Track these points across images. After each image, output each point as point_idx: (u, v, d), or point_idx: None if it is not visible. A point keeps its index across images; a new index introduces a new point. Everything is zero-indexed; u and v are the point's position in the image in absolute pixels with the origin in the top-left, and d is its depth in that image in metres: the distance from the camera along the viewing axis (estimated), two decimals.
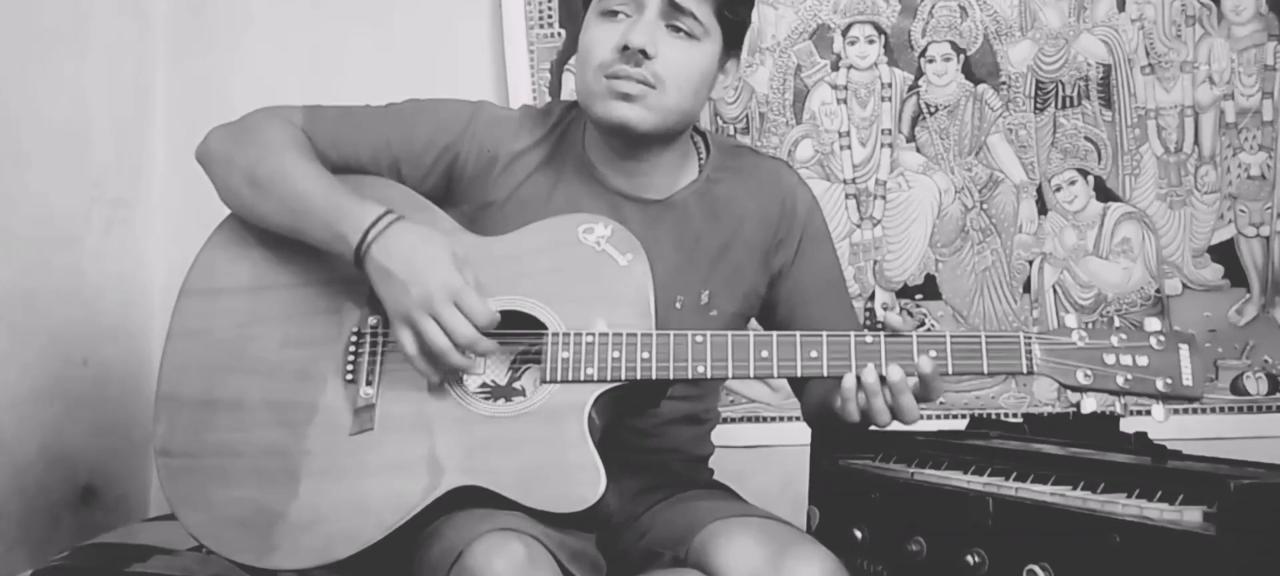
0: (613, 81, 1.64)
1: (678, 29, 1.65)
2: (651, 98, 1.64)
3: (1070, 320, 1.55)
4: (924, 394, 1.54)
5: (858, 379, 1.53)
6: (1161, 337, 1.52)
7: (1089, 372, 1.52)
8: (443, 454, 1.56)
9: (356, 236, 1.57)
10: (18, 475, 2.21)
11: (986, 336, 1.54)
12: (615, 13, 1.66)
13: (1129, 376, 1.51)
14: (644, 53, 1.62)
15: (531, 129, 1.76)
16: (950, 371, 1.54)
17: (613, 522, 1.61)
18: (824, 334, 1.56)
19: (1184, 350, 1.51)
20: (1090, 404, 1.54)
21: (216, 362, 1.65)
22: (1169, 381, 1.51)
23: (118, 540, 2.08)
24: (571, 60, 2.54)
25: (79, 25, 2.43)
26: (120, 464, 2.47)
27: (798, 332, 1.57)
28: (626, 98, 1.64)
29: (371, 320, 1.63)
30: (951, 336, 1.54)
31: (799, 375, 1.57)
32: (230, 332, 1.66)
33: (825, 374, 1.56)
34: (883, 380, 1.52)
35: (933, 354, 1.52)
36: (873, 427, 1.62)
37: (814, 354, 1.56)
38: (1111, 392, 1.53)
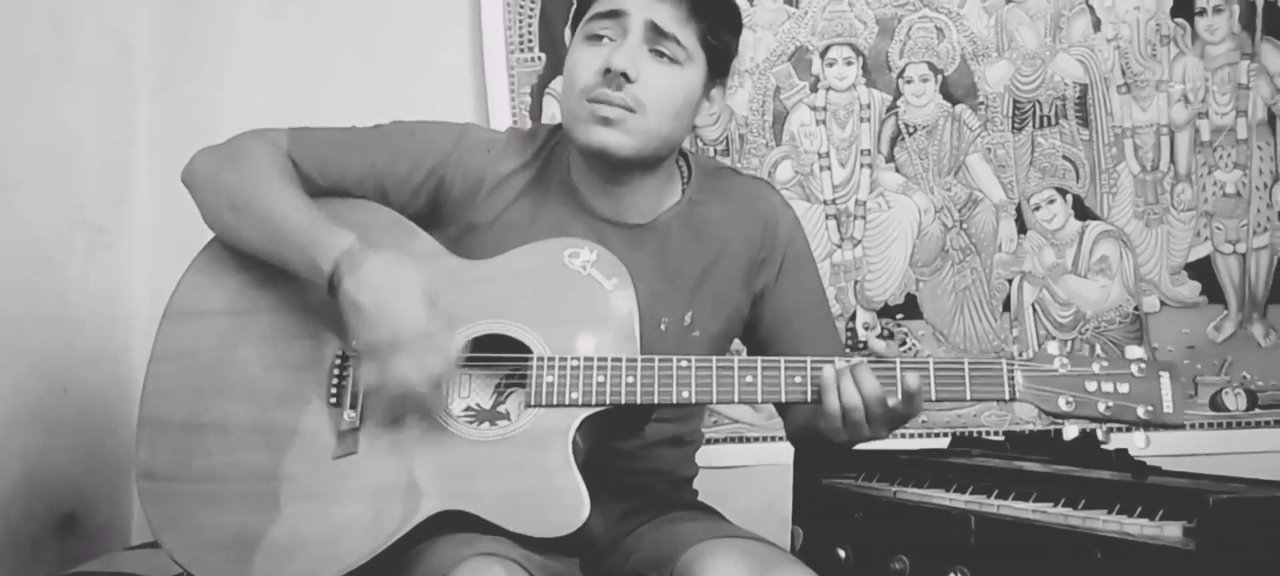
0: (594, 105, 1.64)
1: (661, 54, 1.65)
2: (632, 122, 1.65)
3: (1052, 347, 1.56)
4: (906, 410, 1.55)
5: (839, 400, 1.54)
6: (1143, 365, 1.54)
7: (1071, 399, 1.54)
8: (426, 478, 1.55)
9: (328, 266, 1.56)
10: None
11: (970, 364, 1.55)
12: (599, 37, 1.66)
13: (1110, 404, 1.53)
14: (625, 76, 1.63)
15: (518, 152, 1.76)
16: (933, 398, 1.55)
17: (597, 546, 1.62)
18: (808, 360, 1.57)
19: (1165, 377, 1.53)
20: (1072, 431, 1.56)
21: (200, 385, 1.64)
22: (1150, 409, 1.52)
23: (99, 569, 2.07)
24: (552, 83, 2.56)
25: (62, 51, 2.42)
26: (102, 491, 2.46)
27: (782, 359, 1.58)
28: (606, 122, 1.64)
29: (355, 342, 1.63)
30: (935, 364, 1.55)
31: (783, 400, 1.58)
32: (214, 355, 1.65)
33: (809, 399, 1.57)
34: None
35: (919, 376, 1.54)
36: (858, 445, 1.64)
37: (798, 379, 1.57)
38: (1093, 420, 1.54)
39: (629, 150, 1.66)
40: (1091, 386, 1.53)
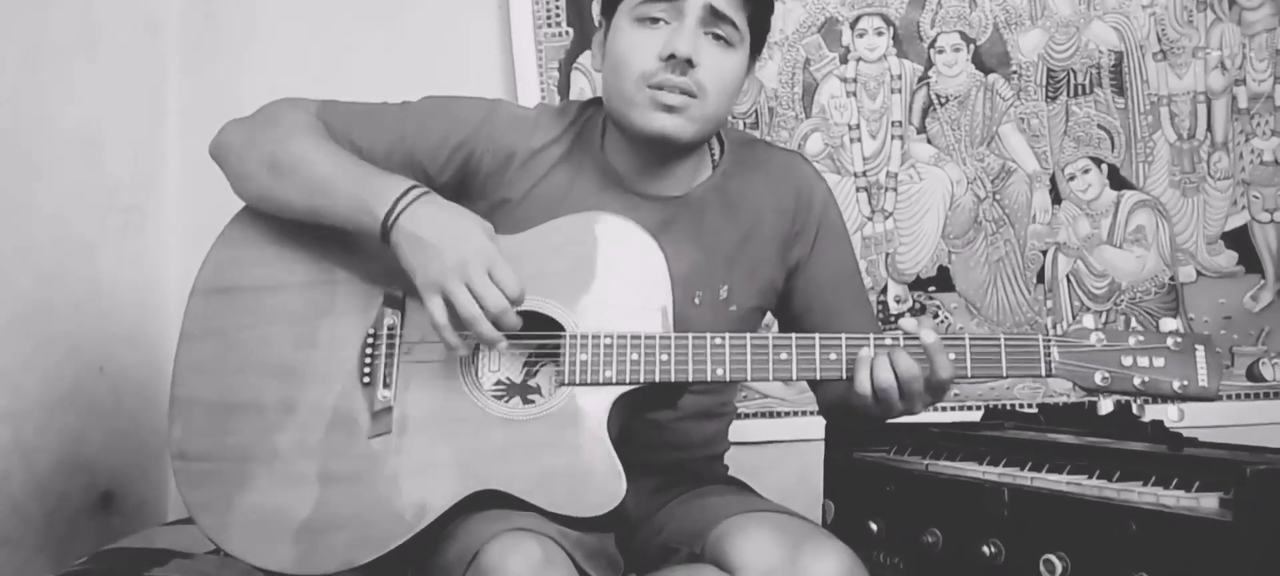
0: (656, 92, 1.63)
1: (717, 36, 1.65)
2: (694, 108, 1.64)
3: (1088, 320, 1.56)
4: (934, 385, 1.55)
5: (871, 379, 1.54)
6: (1178, 338, 1.53)
7: (1107, 375, 1.54)
8: (462, 458, 1.56)
9: (385, 208, 1.56)
10: (37, 482, 2.22)
11: (1006, 340, 1.55)
12: (655, 20, 1.65)
13: (1146, 378, 1.53)
14: (689, 61, 1.62)
15: (549, 127, 1.76)
16: (970, 375, 1.55)
17: (630, 520, 1.62)
18: (842, 336, 1.57)
19: (1200, 351, 1.53)
20: (1107, 405, 1.55)
21: (231, 364, 1.64)
22: (1185, 383, 1.52)
23: (137, 545, 2.09)
24: (580, 58, 2.55)
25: (90, 35, 2.44)
26: (138, 469, 2.49)
27: (816, 336, 1.57)
28: (670, 109, 1.63)
29: (388, 321, 1.63)
30: (971, 339, 1.55)
31: (818, 377, 1.57)
32: (244, 333, 1.65)
33: (843, 376, 1.56)
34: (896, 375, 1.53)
35: (953, 362, 1.53)
36: (891, 419, 1.63)
37: (833, 356, 1.56)
38: (1128, 394, 1.54)
39: (689, 135, 1.66)
40: (1127, 360, 1.53)
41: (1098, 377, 1.54)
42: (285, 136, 1.66)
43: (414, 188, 1.58)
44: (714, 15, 1.64)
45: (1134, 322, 1.57)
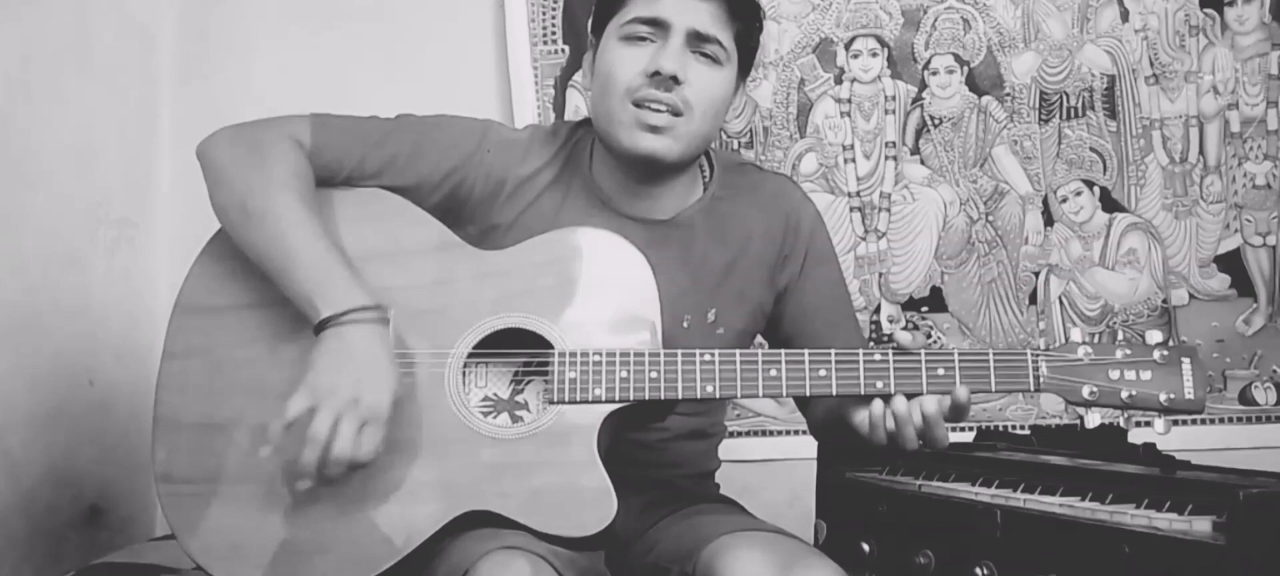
0: (640, 111, 1.63)
1: (703, 55, 1.65)
2: (680, 127, 1.64)
3: (1076, 335, 1.56)
4: (953, 416, 1.54)
5: (887, 409, 1.54)
6: (1165, 352, 1.54)
7: (1094, 388, 1.54)
8: (451, 478, 1.55)
9: (330, 311, 1.52)
10: (24, 495, 2.20)
11: (994, 355, 1.55)
12: (641, 38, 1.65)
13: (1133, 391, 1.53)
14: (675, 78, 1.62)
15: (539, 152, 1.75)
16: (966, 406, 1.55)
17: (620, 539, 1.61)
18: (832, 353, 1.56)
19: (1186, 363, 1.53)
20: (1095, 418, 1.55)
21: (214, 384, 1.62)
22: (1171, 395, 1.52)
23: (124, 560, 2.08)
24: (575, 76, 2.55)
25: (84, 46, 2.44)
26: (126, 483, 2.47)
27: (806, 352, 1.57)
28: (655, 129, 1.63)
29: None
30: (960, 355, 1.55)
31: (808, 394, 1.57)
32: (227, 352, 1.63)
33: (834, 393, 1.56)
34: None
35: (966, 388, 1.53)
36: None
37: (822, 372, 1.56)
38: (1116, 407, 1.54)
39: (675, 155, 1.66)
40: (1114, 374, 1.53)
41: (1085, 392, 1.54)
42: (264, 184, 1.61)
43: (365, 309, 1.53)
44: (700, 36, 1.64)
45: (1120, 335, 1.57)
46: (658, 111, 1.63)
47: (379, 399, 1.50)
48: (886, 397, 1.54)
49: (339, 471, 1.49)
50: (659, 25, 1.64)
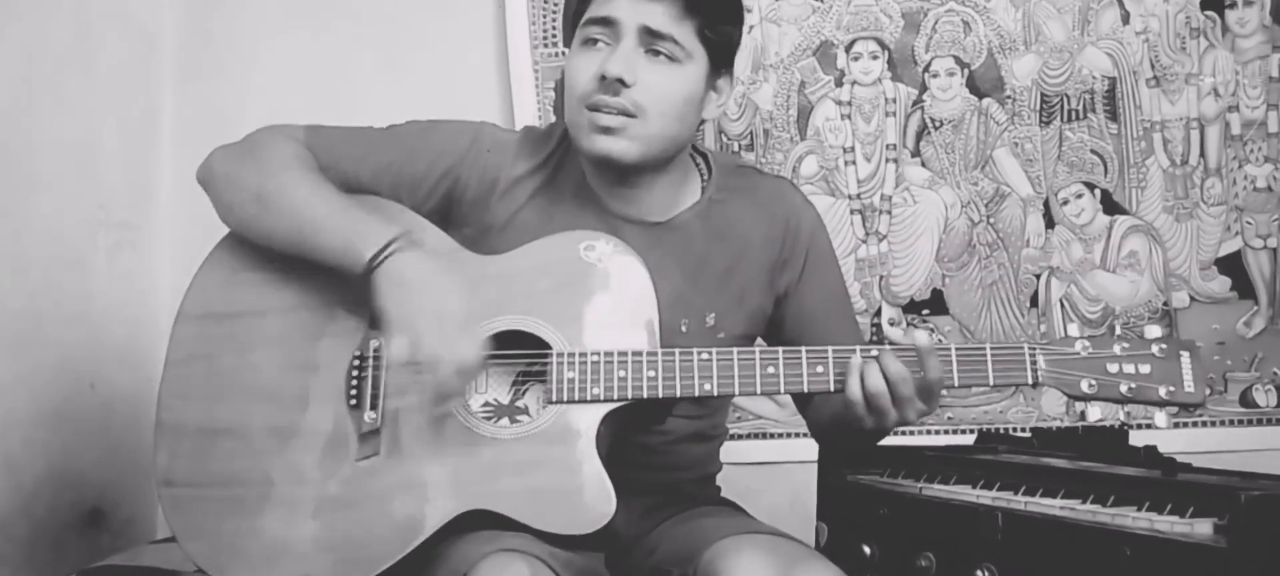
0: (593, 114, 1.63)
1: (658, 53, 1.64)
2: (633, 127, 1.64)
3: (1073, 330, 1.57)
4: (925, 387, 1.55)
5: (862, 385, 1.54)
6: (1163, 345, 1.55)
7: (1093, 382, 1.54)
8: (451, 478, 1.55)
9: (373, 249, 1.56)
10: (25, 497, 2.21)
11: (992, 348, 1.56)
12: (594, 42, 1.65)
13: (1132, 385, 1.54)
14: (621, 81, 1.61)
15: (531, 153, 1.75)
16: (956, 383, 1.56)
17: (621, 541, 1.61)
18: (829, 349, 1.57)
19: (1185, 357, 1.54)
20: (1095, 412, 1.56)
21: (216, 389, 1.63)
22: (1171, 389, 1.53)
23: (124, 562, 2.08)
24: None
25: (86, 48, 2.44)
26: (127, 486, 2.47)
27: (803, 348, 1.58)
28: (608, 131, 1.63)
29: (374, 343, 1.62)
30: (957, 348, 1.56)
31: (805, 390, 1.57)
32: (229, 358, 1.64)
33: (831, 389, 1.56)
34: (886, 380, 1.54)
35: (940, 360, 1.54)
36: (885, 438, 1.62)
37: (820, 369, 1.56)
38: (1115, 401, 1.55)
39: (633, 156, 1.65)
40: (1113, 368, 1.54)
41: (1084, 385, 1.55)
42: (274, 168, 1.65)
43: (399, 238, 1.58)
44: (651, 34, 1.63)
45: (1119, 330, 1.57)
46: (608, 114, 1.63)
47: (457, 305, 1.54)
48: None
49: (465, 383, 1.54)
50: (610, 25, 1.64)
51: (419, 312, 1.53)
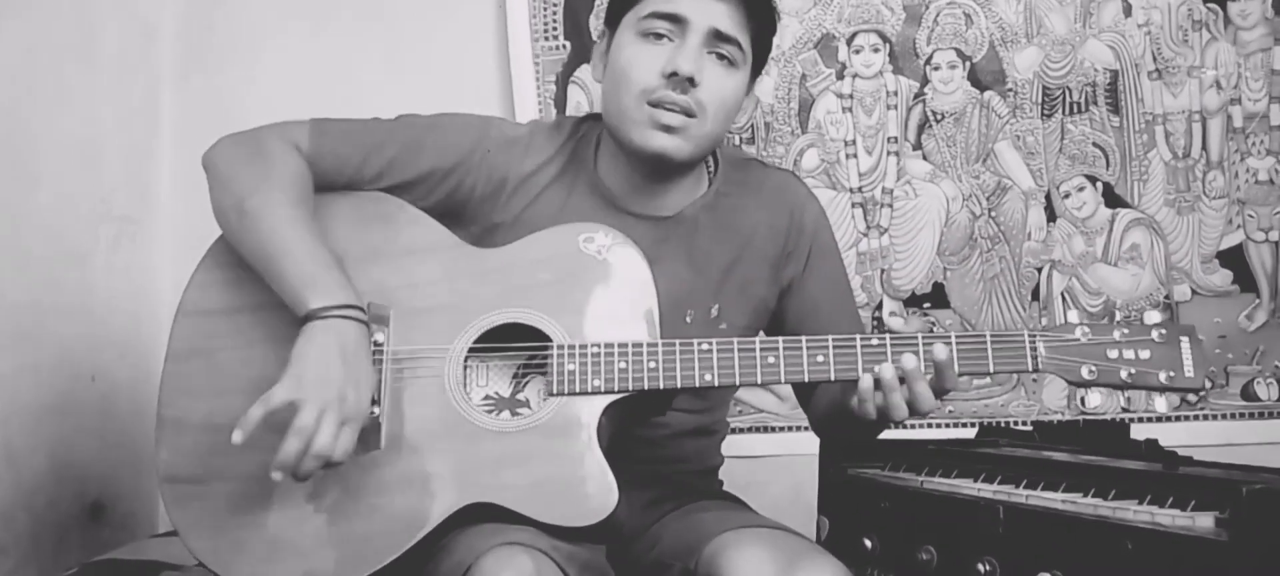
0: (655, 110, 1.62)
1: (721, 56, 1.64)
2: (692, 127, 1.64)
3: (1073, 316, 1.57)
4: (939, 384, 1.54)
5: (875, 378, 1.53)
6: (1162, 331, 1.54)
7: (1093, 368, 1.54)
8: (453, 471, 1.55)
9: (317, 304, 1.52)
10: (26, 491, 2.21)
11: (992, 336, 1.56)
12: (659, 36, 1.64)
13: (1132, 370, 1.54)
14: (691, 80, 1.61)
15: (542, 147, 1.75)
16: (956, 371, 1.55)
17: (623, 534, 1.61)
18: (830, 338, 1.57)
19: (1185, 342, 1.54)
20: (1095, 398, 1.56)
21: (217, 385, 1.62)
22: (1171, 374, 1.53)
23: (126, 556, 2.08)
24: (577, 71, 2.55)
25: (88, 42, 2.43)
26: (129, 480, 2.47)
27: (804, 338, 1.58)
28: (669, 129, 1.63)
29: (375, 337, 1.61)
30: (957, 336, 1.56)
31: (806, 380, 1.57)
32: (229, 354, 1.63)
33: (832, 378, 1.56)
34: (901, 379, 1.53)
35: (947, 342, 1.53)
36: (885, 431, 1.62)
37: (820, 359, 1.56)
38: (1115, 386, 1.55)
39: (685, 155, 1.66)
40: (1113, 354, 1.54)
41: (1084, 371, 1.54)
42: (261, 185, 1.61)
43: (355, 308, 1.54)
44: (718, 36, 1.63)
45: (1118, 315, 1.57)
46: (672, 112, 1.62)
47: (361, 399, 1.51)
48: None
49: (315, 467, 1.48)
50: (678, 21, 1.63)
51: (319, 382, 1.48)
